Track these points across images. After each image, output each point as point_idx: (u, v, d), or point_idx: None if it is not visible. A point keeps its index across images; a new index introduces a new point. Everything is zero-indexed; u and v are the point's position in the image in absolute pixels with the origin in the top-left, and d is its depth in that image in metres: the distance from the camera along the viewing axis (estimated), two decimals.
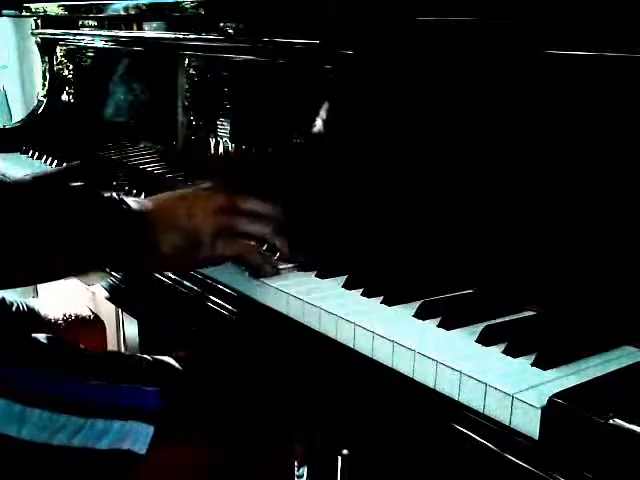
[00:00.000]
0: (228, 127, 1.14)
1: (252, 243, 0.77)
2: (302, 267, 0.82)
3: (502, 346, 0.62)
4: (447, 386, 0.59)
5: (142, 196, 0.98)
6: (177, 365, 0.92)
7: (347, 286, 0.77)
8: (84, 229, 0.68)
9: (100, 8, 1.43)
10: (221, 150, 1.14)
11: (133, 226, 0.71)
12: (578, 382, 0.56)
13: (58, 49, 1.70)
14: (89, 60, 1.60)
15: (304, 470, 1.19)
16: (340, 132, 0.95)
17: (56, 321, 1.22)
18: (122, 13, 1.37)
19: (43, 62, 1.77)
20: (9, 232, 0.64)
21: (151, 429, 0.75)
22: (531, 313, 0.71)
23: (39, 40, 1.77)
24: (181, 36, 1.21)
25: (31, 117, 1.78)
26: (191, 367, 0.90)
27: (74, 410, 0.72)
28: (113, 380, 0.78)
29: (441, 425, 0.60)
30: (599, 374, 0.57)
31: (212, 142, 1.16)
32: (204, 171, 1.20)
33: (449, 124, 0.81)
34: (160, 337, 1.25)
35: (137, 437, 0.74)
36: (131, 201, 0.72)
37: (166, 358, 0.92)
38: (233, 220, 0.75)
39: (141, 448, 0.74)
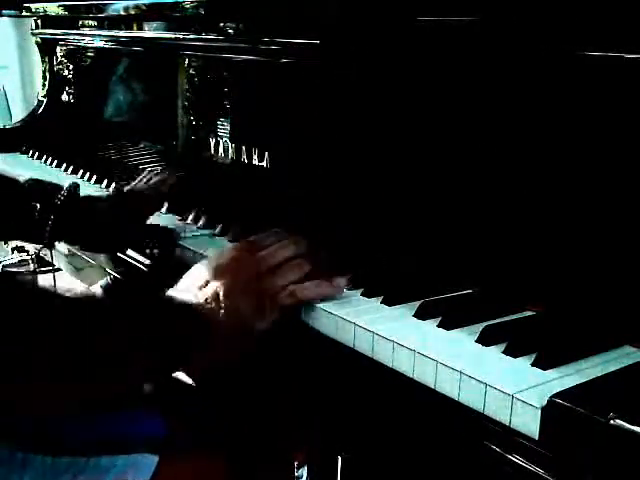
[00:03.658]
0: (228, 127, 1.14)
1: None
2: None
3: (502, 346, 0.62)
4: (447, 386, 0.59)
5: None
6: (182, 378, 0.91)
7: (347, 286, 0.77)
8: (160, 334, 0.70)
9: (100, 8, 1.43)
10: (221, 150, 1.14)
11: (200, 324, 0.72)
12: (578, 382, 0.56)
13: (58, 49, 1.70)
14: (89, 60, 1.60)
15: (304, 471, 1.19)
16: (339, 132, 0.95)
17: None
18: (122, 13, 1.36)
19: (43, 62, 1.77)
20: (86, 346, 0.64)
21: (155, 458, 0.73)
22: (531, 313, 0.72)
23: (39, 40, 1.77)
24: (181, 36, 1.21)
25: (31, 117, 1.78)
26: (193, 376, 0.89)
27: (77, 451, 0.70)
28: (115, 410, 0.77)
29: (441, 425, 0.60)
30: (599, 374, 0.57)
31: (212, 142, 1.16)
32: (204, 173, 1.20)
33: (449, 124, 0.81)
34: None
35: (141, 467, 0.72)
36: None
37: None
38: (269, 275, 0.75)
39: (145, 476, 0.73)
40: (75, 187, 0.98)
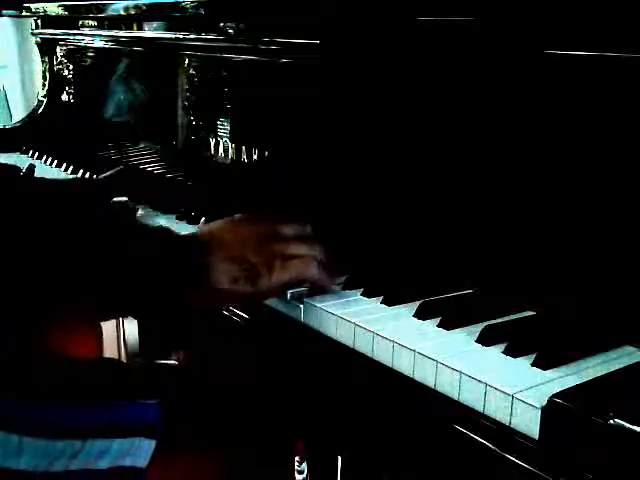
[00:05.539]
0: (228, 127, 1.14)
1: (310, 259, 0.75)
2: None
3: (502, 346, 0.62)
4: (447, 386, 0.59)
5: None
6: (177, 368, 0.91)
7: (347, 286, 0.77)
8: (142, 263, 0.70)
9: (100, 8, 1.43)
10: (221, 150, 1.14)
11: (188, 258, 0.71)
12: (578, 382, 0.56)
13: (58, 49, 1.70)
14: (89, 60, 1.60)
15: (304, 469, 1.19)
16: (339, 132, 0.95)
17: None
18: (122, 13, 1.37)
19: (43, 62, 1.77)
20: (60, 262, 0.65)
21: (153, 443, 0.73)
22: (531, 313, 0.71)
23: (39, 40, 1.77)
24: (181, 36, 1.21)
25: (31, 117, 1.79)
26: (192, 371, 0.89)
27: (72, 434, 0.70)
28: (112, 396, 0.77)
29: (441, 425, 0.60)
30: (599, 374, 0.57)
31: (212, 142, 1.16)
32: (204, 173, 1.20)
33: (449, 124, 0.81)
34: (161, 337, 1.25)
35: (138, 452, 0.72)
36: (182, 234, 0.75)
37: (166, 362, 0.91)
38: (281, 244, 0.75)
39: (143, 462, 0.73)
40: (31, 168, 1.01)
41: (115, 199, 1.12)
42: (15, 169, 1.04)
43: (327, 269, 0.75)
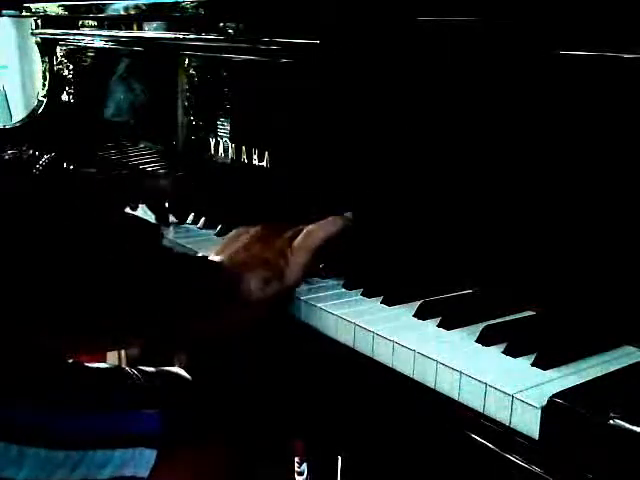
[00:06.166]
0: (228, 127, 1.14)
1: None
2: None
3: (502, 346, 0.62)
4: (447, 386, 0.59)
5: None
6: (181, 373, 0.91)
7: (347, 286, 0.77)
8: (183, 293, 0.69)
9: (100, 8, 1.43)
10: (221, 150, 1.14)
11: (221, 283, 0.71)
12: (578, 382, 0.56)
13: (58, 49, 1.70)
14: (89, 60, 1.60)
15: (304, 469, 1.19)
16: (339, 132, 0.95)
17: None
18: (122, 13, 1.36)
19: (43, 62, 1.77)
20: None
21: (154, 453, 0.73)
22: (531, 313, 0.72)
23: (39, 40, 1.76)
24: (181, 36, 1.21)
25: (31, 117, 1.78)
26: (194, 375, 0.89)
27: (73, 445, 0.70)
28: (113, 404, 0.77)
29: (441, 425, 0.60)
30: (599, 374, 0.57)
31: (212, 142, 1.16)
32: (204, 173, 1.20)
33: (449, 124, 0.81)
34: (162, 342, 1.25)
35: (139, 462, 0.72)
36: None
37: (167, 369, 0.91)
38: (287, 237, 0.75)
39: (144, 472, 0.73)
40: (53, 159, 0.99)
41: None
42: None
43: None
